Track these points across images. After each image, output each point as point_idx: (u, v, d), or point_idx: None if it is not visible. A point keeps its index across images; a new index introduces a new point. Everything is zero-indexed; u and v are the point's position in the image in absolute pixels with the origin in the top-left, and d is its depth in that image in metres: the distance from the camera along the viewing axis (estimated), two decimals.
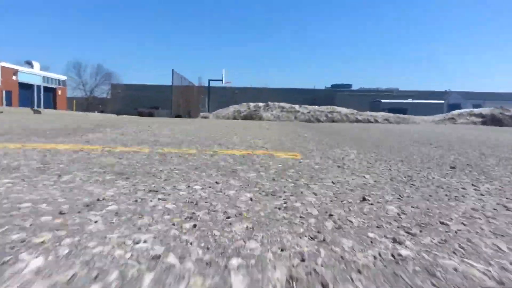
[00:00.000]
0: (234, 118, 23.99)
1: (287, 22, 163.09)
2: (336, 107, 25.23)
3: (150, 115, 24.63)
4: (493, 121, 20.60)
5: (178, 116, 23.93)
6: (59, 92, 46.75)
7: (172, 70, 23.51)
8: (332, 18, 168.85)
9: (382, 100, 44.84)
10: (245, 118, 24.10)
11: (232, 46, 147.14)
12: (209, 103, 31.70)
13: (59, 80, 47.11)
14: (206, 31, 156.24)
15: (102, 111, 53.49)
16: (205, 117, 23.91)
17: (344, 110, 24.78)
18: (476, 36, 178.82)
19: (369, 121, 23.11)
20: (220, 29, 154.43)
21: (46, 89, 44.27)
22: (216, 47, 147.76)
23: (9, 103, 35.53)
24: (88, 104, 63.24)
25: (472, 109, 25.14)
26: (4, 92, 36.28)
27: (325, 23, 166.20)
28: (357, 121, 23.11)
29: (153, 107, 44.20)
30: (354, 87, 75.21)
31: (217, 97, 54.30)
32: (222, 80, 31.32)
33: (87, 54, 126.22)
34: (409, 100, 44.96)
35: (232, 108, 25.57)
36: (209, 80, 32.22)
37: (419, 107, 38.85)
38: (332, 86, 75.81)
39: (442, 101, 46.22)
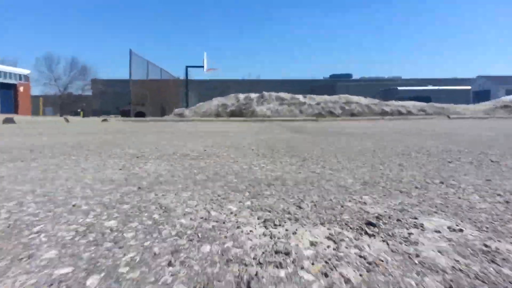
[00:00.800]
0: (218, 115, 17.88)
1: (281, 12, 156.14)
2: (350, 96, 19.11)
3: (141, 115, 18.26)
4: None
5: (140, 114, 17.76)
6: (21, 89, 40.22)
7: (130, 50, 17.20)
8: (332, 6, 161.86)
9: (399, 88, 38.79)
10: (233, 114, 18.00)
11: (224, 38, 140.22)
12: (189, 97, 25.50)
13: (20, 75, 40.57)
14: (196, 24, 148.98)
15: (82, 110, 46.85)
16: (180, 115, 17.72)
17: (362, 99, 18.69)
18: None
19: (400, 113, 17.07)
20: (212, 21, 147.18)
21: (3, 85, 37.77)
22: (206, 39, 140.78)
23: None
24: (62, 102, 56.69)
25: None
26: None
27: (324, 11, 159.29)
28: (383, 113, 17.08)
29: (140, 103, 37.34)
30: (354, 77, 69.34)
31: (203, 90, 48.07)
32: (203, 67, 24.87)
33: (60, 47, 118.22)
34: (431, 87, 39.01)
35: (215, 102, 19.39)
36: (187, 67, 25.43)
37: (443, 94, 33.13)
38: (331, 76, 69.84)
39: (469, 87, 40.39)
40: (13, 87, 39.45)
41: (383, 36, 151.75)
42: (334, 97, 18.41)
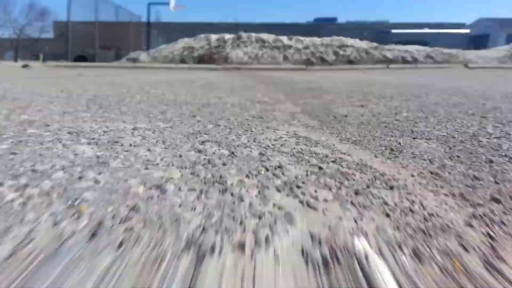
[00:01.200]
0: (183, 61, 14.44)
1: None
2: (345, 38, 15.86)
3: (83, 59, 14.47)
4: None
5: (81, 59, 14.19)
6: None
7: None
8: None
9: (393, 31, 35.04)
10: (202, 60, 14.57)
11: None
12: (156, 40, 21.53)
13: None
14: None
15: (41, 55, 41.60)
16: (134, 60, 14.14)
17: (358, 42, 15.52)
18: None
19: (405, 60, 14.09)
20: None
21: None
22: None
23: None
24: (20, 46, 50.75)
25: None
26: None
27: None
28: (386, 60, 14.08)
29: (105, 47, 32.15)
30: (340, 21, 65.04)
31: (172, 33, 43.29)
32: (168, 4, 20.69)
33: None
34: (427, 30, 35.34)
35: (181, 44, 15.80)
36: (149, 4, 20.91)
37: (441, 38, 30.00)
38: (315, 20, 65.31)
39: (467, 30, 37.14)
40: None
41: None
42: (326, 39, 15.16)
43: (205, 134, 1.56)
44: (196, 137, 1.49)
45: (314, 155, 1.23)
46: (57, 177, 0.97)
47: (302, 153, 1.25)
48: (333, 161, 1.15)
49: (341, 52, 13.85)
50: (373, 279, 0.57)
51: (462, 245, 0.67)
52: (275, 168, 1.07)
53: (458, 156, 1.23)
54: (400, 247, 0.66)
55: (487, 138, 1.52)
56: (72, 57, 14.50)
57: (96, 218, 0.74)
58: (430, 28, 37.33)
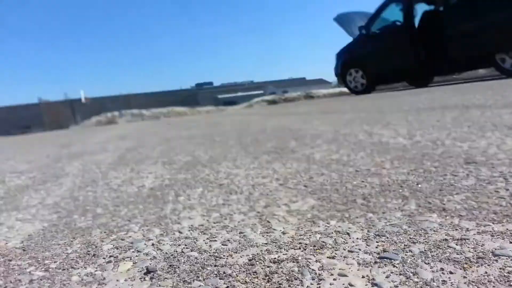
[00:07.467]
0: (99, 124, 30.01)
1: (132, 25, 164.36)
2: (175, 107, 33.08)
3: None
4: (273, 103, 31.27)
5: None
6: None
7: (39, 98, 28.23)
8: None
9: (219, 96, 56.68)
10: (108, 123, 30.34)
11: (92, 52, 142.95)
12: (76, 116, 36.72)
13: None
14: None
15: None
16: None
17: (181, 109, 32.80)
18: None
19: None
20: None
21: None
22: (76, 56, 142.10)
23: None
24: None
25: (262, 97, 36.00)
26: None
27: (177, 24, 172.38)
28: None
29: (26, 126, 46.08)
30: (216, 84, 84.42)
31: (85, 110, 57.55)
32: (81, 99, 36.66)
33: None
34: (234, 94, 57.34)
35: (94, 119, 31.43)
36: (71, 101, 37.02)
37: (245, 98, 49.59)
38: (197, 85, 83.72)
39: (262, 91, 58.60)
40: None
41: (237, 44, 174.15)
42: (164, 109, 32.15)
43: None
44: None
45: None
46: None
47: None
48: None
49: (167, 115, 30.82)
50: None
51: None
52: None
53: None
54: None
55: None
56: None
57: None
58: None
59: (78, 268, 1.19)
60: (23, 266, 1.26)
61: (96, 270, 1.16)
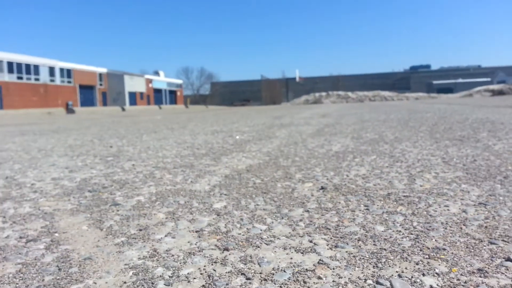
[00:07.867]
0: (305, 105, 32.97)
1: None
2: (381, 91, 32.54)
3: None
4: (499, 93, 26.04)
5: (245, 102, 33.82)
6: (178, 93, 60.54)
7: (261, 75, 33.36)
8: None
9: (434, 82, 49.10)
10: (314, 103, 32.92)
11: (306, 39, 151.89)
12: (288, 94, 41.09)
13: (177, 84, 60.87)
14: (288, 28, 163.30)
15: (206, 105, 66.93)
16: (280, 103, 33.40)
17: (388, 93, 31.97)
18: None
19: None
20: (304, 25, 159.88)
21: (170, 91, 58.29)
22: (294, 41, 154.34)
23: (149, 104, 49.47)
24: (196, 100, 77.60)
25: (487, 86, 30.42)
26: (147, 96, 50.73)
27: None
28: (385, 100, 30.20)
29: (245, 99, 55.60)
30: (433, 67, 75.72)
31: (297, 89, 63.15)
32: (296, 78, 40.28)
33: (192, 59, 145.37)
34: (454, 80, 48.38)
35: (303, 98, 34.54)
36: (287, 79, 41.30)
37: (466, 85, 42.30)
38: (411, 68, 77.22)
39: (489, 79, 48.00)
40: (174, 92, 59.84)
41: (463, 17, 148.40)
42: (369, 93, 32.13)
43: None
44: None
45: None
46: None
47: None
48: None
49: (372, 99, 30.67)
50: None
51: None
52: None
53: None
54: None
55: None
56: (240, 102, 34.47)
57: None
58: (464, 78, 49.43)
59: (280, 182, 1.97)
60: (246, 177, 2.14)
61: (291, 184, 1.91)
